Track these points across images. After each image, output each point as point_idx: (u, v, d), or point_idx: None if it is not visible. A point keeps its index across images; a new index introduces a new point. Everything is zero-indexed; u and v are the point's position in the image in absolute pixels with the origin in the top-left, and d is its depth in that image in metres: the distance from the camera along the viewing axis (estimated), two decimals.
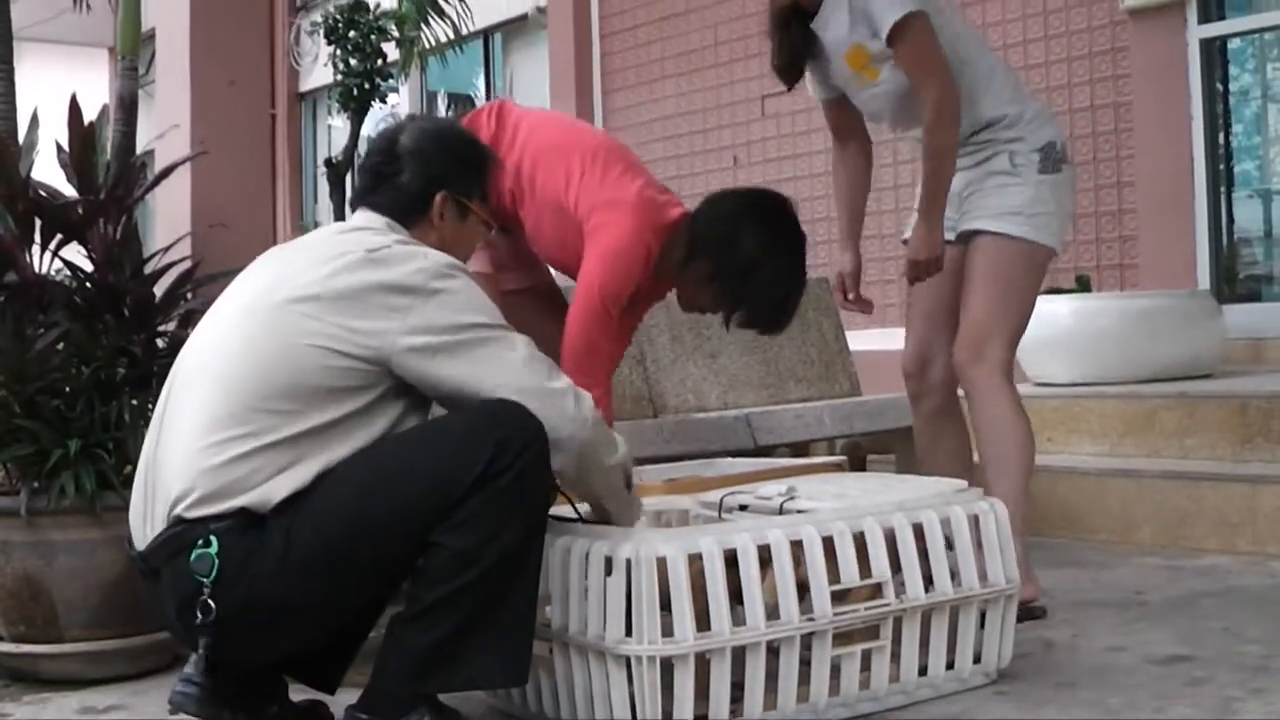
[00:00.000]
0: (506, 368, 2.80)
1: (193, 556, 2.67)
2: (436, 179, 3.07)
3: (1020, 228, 4.04)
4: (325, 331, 2.75)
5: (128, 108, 5.27)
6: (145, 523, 2.81)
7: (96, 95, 15.97)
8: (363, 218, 3.06)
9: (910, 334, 4.37)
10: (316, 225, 13.38)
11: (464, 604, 2.70)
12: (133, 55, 5.45)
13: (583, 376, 3.79)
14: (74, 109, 4.06)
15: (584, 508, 3.08)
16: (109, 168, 4.22)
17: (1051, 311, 5.93)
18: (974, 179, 4.13)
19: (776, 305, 4.01)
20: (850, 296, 4.34)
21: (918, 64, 3.97)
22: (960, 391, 4.23)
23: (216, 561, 2.66)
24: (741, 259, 3.92)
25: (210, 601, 2.67)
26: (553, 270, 4.38)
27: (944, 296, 4.21)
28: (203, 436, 2.73)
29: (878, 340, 7.45)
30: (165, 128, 4.92)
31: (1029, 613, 3.90)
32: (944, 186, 4.02)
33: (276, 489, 2.69)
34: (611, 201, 3.96)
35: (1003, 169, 4.09)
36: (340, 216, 9.83)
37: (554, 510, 2.99)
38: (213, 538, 2.67)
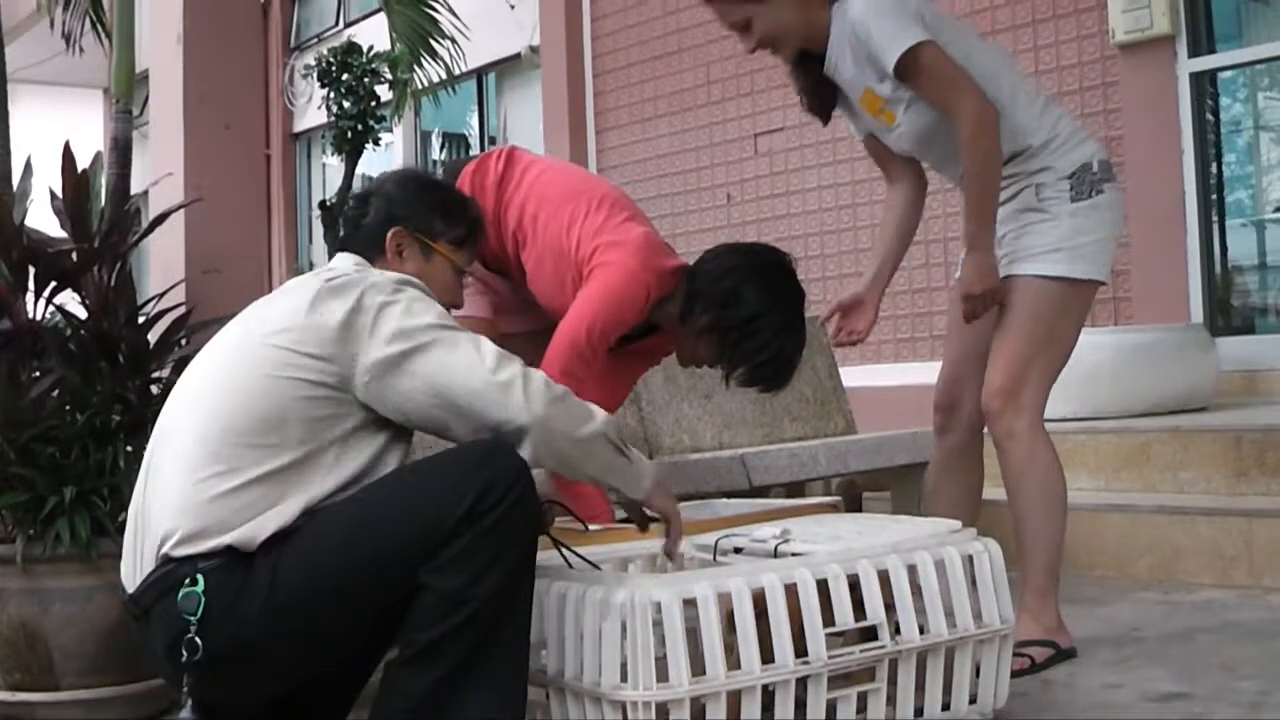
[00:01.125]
0: (452, 370, 2.79)
1: (180, 595, 2.67)
2: (393, 217, 3.12)
3: (1058, 266, 3.86)
4: (293, 362, 2.78)
5: (122, 150, 5.29)
6: (135, 566, 2.81)
7: (92, 134, 16.07)
8: (338, 260, 3.13)
9: (943, 368, 4.26)
10: (312, 267, 13.41)
11: (457, 646, 2.69)
12: (127, 98, 5.46)
13: None
14: (67, 156, 4.07)
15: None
16: (103, 214, 4.23)
17: None
18: (1005, 218, 3.93)
19: (776, 361, 3.98)
20: (831, 324, 4.21)
21: (939, 89, 3.77)
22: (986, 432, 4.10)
23: (203, 600, 2.65)
24: (742, 314, 3.92)
25: (196, 640, 2.66)
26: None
27: (979, 336, 4.05)
28: (187, 475, 2.74)
29: (872, 377, 7.49)
30: (160, 170, 4.92)
31: (1064, 655, 3.90)
32: (990, 207, 3.81)
33: (262, 527, 2.70)
34: (614, 243, 3.98)
35: (1030, 205, 3.90)
36: None
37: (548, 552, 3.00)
38: (200, 576, 2.67)
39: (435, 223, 3.17)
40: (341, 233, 3.22)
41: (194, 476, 2.73)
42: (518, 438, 2.77)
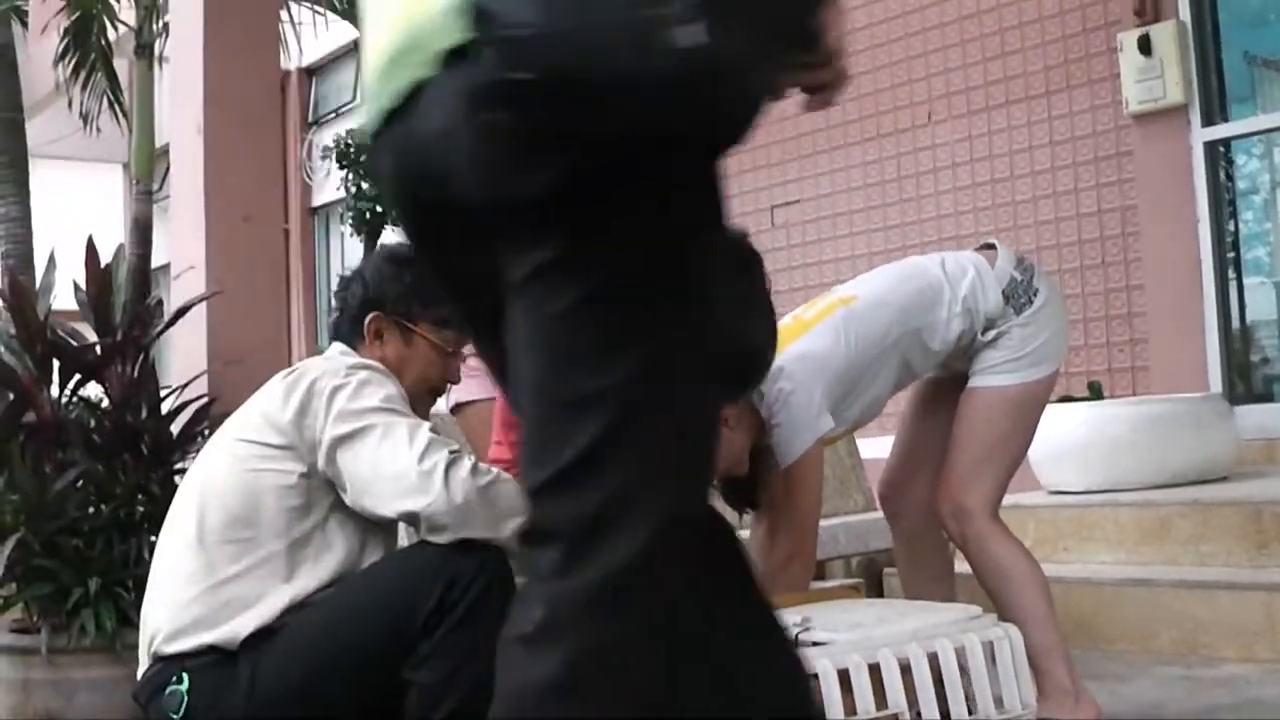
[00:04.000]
0: (379, 454, 2.77)
1: (165, 693, 2.74)
2: (370, 302, 3.11)
3: (1015, 376, 3.92)
4: (260, 454, 2.84)
5: (142, 230, 5.34)
6: (141, 663, 2.89)
7: (111, 207, 16.13)
8: (330, 348, 3.16)
9: (890, 456, 4.36)
10: None
11: None
12: (147, 179, 5.53)
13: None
14: (90, 251, 4.12)
15: None
16: (125, 306, 4.27)
17: (1064, 420, 5.94)
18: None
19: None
20: None
21: (789, 495, 3.94)
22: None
23: (186, 699, 2.72)
24: None
25: None
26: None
27: (927, 425, 4.18)
28: (171, 574, 2.83)
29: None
30: (180, 259, 4.94)
31: None
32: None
33: (243, 625, 2.74)
34: None
35: (986, 344, 3.95)
36: None
37: None
38: (185, 675, 2.74)
39: (413, 305, 3.12)
40: (333, 318, 3.25)
41: (177, 576, 2.81)
42: (438, 526, 2.72)
